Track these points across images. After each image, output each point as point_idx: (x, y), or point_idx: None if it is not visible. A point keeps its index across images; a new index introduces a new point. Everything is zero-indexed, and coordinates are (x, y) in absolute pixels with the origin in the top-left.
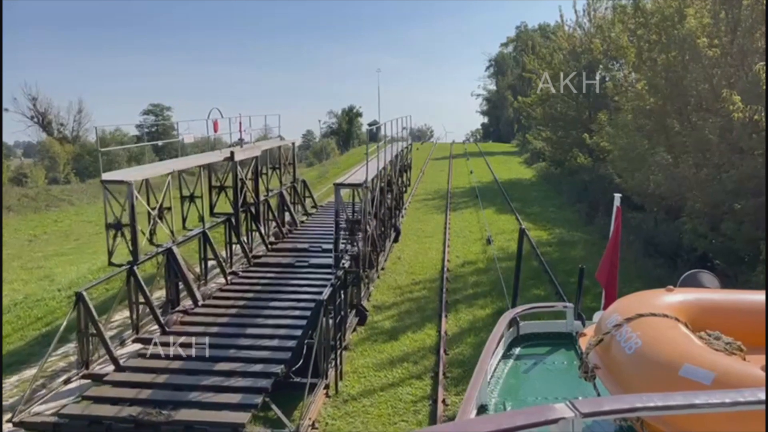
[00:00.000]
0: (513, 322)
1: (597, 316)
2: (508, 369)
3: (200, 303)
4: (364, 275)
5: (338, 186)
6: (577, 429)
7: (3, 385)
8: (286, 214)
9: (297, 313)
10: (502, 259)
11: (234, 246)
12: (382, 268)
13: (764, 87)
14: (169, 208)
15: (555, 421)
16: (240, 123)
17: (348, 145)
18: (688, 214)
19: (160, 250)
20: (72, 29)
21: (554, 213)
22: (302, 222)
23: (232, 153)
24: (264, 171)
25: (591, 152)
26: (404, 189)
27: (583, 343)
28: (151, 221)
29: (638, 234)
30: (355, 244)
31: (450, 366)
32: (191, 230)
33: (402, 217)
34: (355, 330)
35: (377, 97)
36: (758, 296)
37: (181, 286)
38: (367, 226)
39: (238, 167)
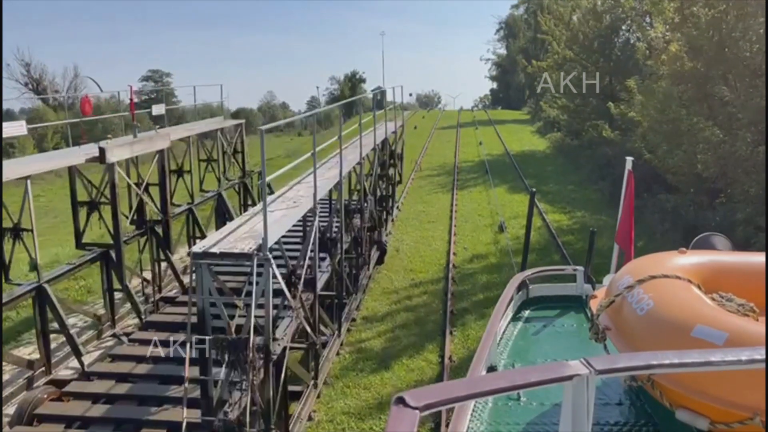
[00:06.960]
0: (522, 285)
1: (608, 279)
2: (518, 331)
3: None
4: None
5: (198, 261)
6: (590, 386)
7: None
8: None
9: None
10: (517, 252)
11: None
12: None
13: None
14: None
15: (569, 377)
16: (132, 100)
17: (351, 112)
18: (739, 201)
19: None
20: None
21: (574, 192)
22: None
23: (101, 151)
24: (188, 168)
25: (612, 122)
26: (392, 191)
27: (593, 305)
28: None
29: (675, 221)
30: (250, 388)
31: None
32: (20, 285)
33: (393, 220)
34: None
35: (382, 62)
36: None
37: None
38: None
39: (118, 169)
